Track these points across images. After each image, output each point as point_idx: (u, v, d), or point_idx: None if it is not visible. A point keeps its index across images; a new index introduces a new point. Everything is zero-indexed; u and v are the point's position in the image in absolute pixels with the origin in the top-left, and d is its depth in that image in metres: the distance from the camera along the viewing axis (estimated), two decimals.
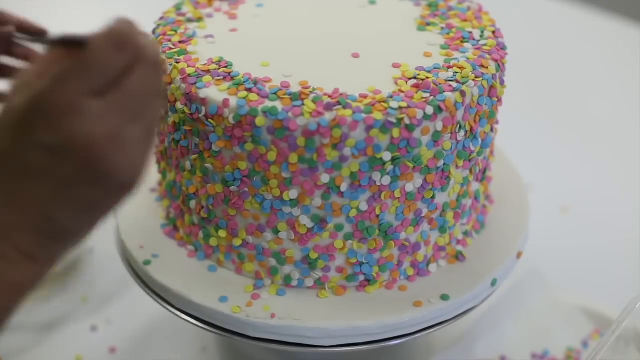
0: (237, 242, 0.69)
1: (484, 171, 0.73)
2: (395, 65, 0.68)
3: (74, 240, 0.55)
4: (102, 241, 0.92)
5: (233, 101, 0.64)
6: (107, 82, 0.52)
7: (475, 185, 0.72)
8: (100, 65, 0.52)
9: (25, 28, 0.80)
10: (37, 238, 0.53)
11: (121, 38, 0.53)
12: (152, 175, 0.79)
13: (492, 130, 0.71)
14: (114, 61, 0.52)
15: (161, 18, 0.75)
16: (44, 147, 0.51)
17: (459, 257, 0.73)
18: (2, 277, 0.53)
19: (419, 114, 0.64)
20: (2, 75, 0.82)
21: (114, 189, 0.53)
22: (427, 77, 0.66)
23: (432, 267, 0.71)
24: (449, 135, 0.66)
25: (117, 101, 0.52)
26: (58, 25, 1.21)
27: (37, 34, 0.80)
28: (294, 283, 0.69)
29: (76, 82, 0.51)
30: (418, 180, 0.66)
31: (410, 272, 0.71)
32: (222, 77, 0.67)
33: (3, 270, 0.53)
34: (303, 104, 0.64)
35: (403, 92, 0.65)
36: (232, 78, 0.67)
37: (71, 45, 0.52)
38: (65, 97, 0.51)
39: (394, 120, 0.63)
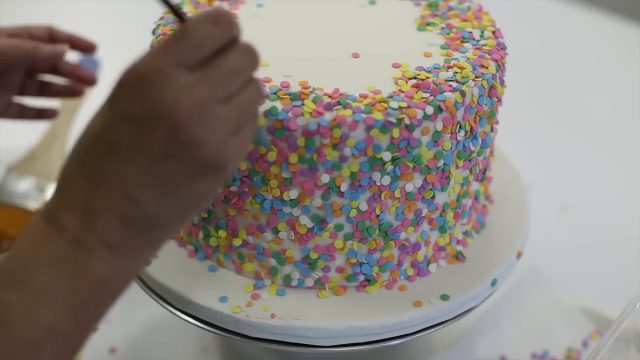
0: (237, 242, 0.69)
1: (484, 171, 0.73)
2: (395, 65, 0.68)
3: (160, 232, 0.53)
4: None
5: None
6: (201, 58, 0.51)
7: (475, 185, 0.72)
8: (194, 38, 0.51)
9: (75, 44, 0.79)
10: (121, 227, 0.51)
11: (218, 16, 0.52)
12: None
13: (492, 130, 0.71)
14: (209, 36, 0.52)
15: (161, 18, 0.75)
16: (131, 118, 0.50)
17: (459, 257, 0.73)
18: (84, 271, 0.51)
19: (419, 114, 0.64)
20: (48, 94, 0.81)
21: (198, 166, 0.51)
22: (427, 77, 0.66)
23: (432, 267, 0.71)
24: (449, 135, 0.66)
25: (208, 76, 0.51)
26: (60, 24, 1.21)
27: (88, 49, 0.79)
28: (294, 283, 0.69)
29: (168, 54, 0.50)
30: (418, 180, 0.66)
31: (410, 272, 0.71)
32: None
33: (85, 263, 0.51)
34: (303, 104, 0.64)
35: (403, 92, 0.65)
36: None
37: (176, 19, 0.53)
38: (155, 67, 0.50)
39: (394, 120, 0.63)
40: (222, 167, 0.52)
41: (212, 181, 0.52)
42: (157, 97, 0.50)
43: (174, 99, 0.50)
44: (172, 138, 0.50)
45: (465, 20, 0.74)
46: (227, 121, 0.52)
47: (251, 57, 0.54)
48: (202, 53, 0.51)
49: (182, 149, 0.50)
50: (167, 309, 0.71)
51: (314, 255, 0.68)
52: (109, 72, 1.07)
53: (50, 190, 0.91)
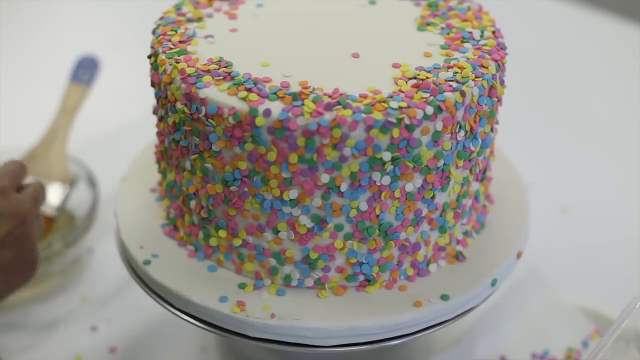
0: (237, 242, 0.69)
1: (484, 171, 0.73)
2: (395, 65, 0.68)
3: None
4: (102, 241, 0.92)
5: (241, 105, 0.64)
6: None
7: (475, 185, 0.72)
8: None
9: None
10: None
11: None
12: (152, 175, 0.80)
13: (492, 130, 0.71)
14: None
15: (161, 18, 0.75)
16: None
17: (459, 257, 0.73)
18: None
19: (419, 114, 0.64)
20: None
21: None
22: (427, 77, 0.66)
23: (432, 267, 0.71)
24: (449, 135, 0.66)
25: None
26: (60, 24, 1.21)
27: None
28: (294, 283, 0.69)
29: None
30: (418, 180, 0.66)
31: (410, 272, 0.71)
32: (222, 77, 0.67)
33: None
34: (303, 104, 0.64)
35: (403, 92, 0.65)
36: (232, 78, 0.67)
37: None
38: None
39: (394, 120, 0.63)
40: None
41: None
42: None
43: None
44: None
45: (465, 20, 0.74)
46: None
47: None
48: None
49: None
50: (167, 309, 0.71)
51: (314, 255, 0.68)
52: (109, 72, 1.07)
53: (50, 190, 0.91)
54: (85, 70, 1.01)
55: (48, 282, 0.88)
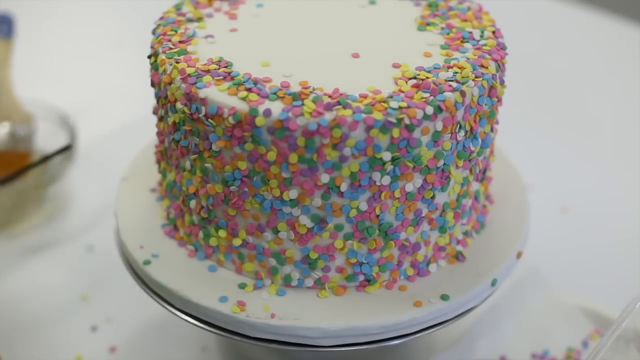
0: (237, 242, 0.69)
1: (484, 171, 0.73)
2: (395, 65, 0.68)
3: None
4: (102, 241, 0.92)
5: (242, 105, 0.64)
6: None
7: (475, 185, 0.73)
8: None
9: None
10: None
11: None
12: (152, 175, 0.80)
13: (492, 130, 0.71)
14: None
15: (161, 18, 0.75)
16: None
17: (459, 257, 0.73)
18: None
19: (419, 114, 0.64)
20: None
21: None
22: (427, 77, 0.66)
23: (432, 267, 0.71)
24: (449, 135, 0.66)
25: None
26: (61, 24, 1.21)
27: None
28: (294, 283, 0.69)
29: None
30: (418, 180, 0.66)
31: (410, 272, 0.71)
32: (222, 77, 0.67)
33: None
34: (303, 104, 0.64)
35: (403, 92, 0.65)
36: (232, 78, 0.67)
37: None
38: None
39: (394, 120, 0.63)
40: None
41: None
42: None
43: None
44: None
45: (465, 20, 0.74)
46: None
47: None
48: None
49: None
50: (167, 309, 0.71)
51: (314, 255, 0.68)
52: (109, 72, 1.07)
53: (17, 130, 1.00)
54: (2, 26, 1.06)
55: (47, 206, 0.97)
